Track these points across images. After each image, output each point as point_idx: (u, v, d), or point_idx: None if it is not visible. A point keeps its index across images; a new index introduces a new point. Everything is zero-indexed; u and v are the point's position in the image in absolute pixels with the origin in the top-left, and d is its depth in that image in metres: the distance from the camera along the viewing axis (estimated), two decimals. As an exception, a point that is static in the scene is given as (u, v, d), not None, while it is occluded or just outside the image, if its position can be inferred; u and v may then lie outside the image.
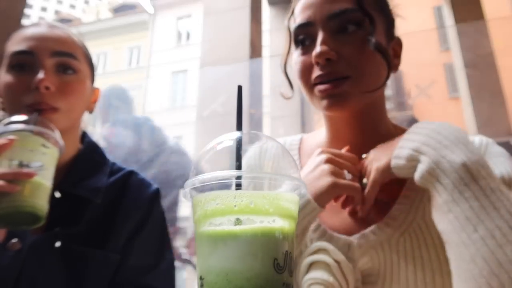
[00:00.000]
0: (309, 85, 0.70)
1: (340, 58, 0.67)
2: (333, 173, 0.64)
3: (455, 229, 0.52)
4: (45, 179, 0.69)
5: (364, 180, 0.67)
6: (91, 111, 0.93)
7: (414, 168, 0.59)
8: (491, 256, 0.49)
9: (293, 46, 0.74)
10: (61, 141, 0.73)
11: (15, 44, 0.82)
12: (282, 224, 0.36)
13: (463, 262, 0.52)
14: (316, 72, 0.68)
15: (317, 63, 0.67)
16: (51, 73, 0.79)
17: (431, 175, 0.56)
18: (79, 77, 0.84)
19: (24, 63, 0.80)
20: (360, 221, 0.69)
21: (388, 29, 0.73)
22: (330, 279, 0.59)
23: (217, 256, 0.35)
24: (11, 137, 0.66)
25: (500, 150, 0.69)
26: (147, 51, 16.06)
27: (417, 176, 0.58)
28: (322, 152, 0.68)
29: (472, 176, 0.53)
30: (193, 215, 0.38)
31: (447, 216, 0.53)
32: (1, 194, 0.64)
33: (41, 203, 0.68)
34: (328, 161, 0.66)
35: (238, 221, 0.35)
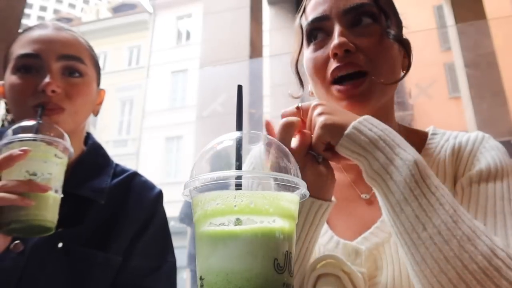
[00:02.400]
0: (327, 83, 0.68)
1: (358, 50, 0.66)
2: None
3: (407, 229, 0.52)
4: (57, 190, 0.69)
5: None
6: (96, 113, 0.93)
7: (363, 157, 0.56)
8: (439, 254, 0.49)
9: (305, 44, 0.73)
10: (70, 148, 0.72)
11: (21, 46, 0.81)
12: (282, 224, 0.36)
13: (415, 265, 0.52)
14: (333, 65, 0.66)
15: (335, 55, 0.66)
16: (57, 76, 0.79)
17: (386, 171, 0.54)
18: (85, 80, 0.84)
19: (30, 66, 0.79)
20: (360, 224, 0.68)
21: (399, 30, 0.73)
22: None
23: (217, 256, 0.34)
24: (25, 148, 0.64)
25: (495, 143, 0.68)
26: (147, 50, 16.04)
27: (369, 171, 0.56)
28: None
29: (421, 174, 0.53)
30: (193, 215, 0.38)
31: (399, 217, 0.53)
32: (14, 207, 0.63)
33: (53, 215, 0.68)
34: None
35: (238, 221, 0.35)
